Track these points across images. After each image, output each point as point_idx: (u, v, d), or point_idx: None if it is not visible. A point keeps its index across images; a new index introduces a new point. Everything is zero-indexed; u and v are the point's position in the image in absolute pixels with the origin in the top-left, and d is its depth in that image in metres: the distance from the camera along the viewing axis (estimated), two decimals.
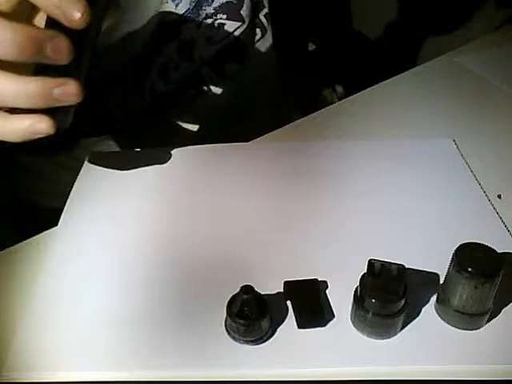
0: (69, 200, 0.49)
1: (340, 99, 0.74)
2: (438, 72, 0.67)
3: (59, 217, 0.48)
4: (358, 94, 0.64)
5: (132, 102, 0.61)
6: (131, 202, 0.49)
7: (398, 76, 0.66)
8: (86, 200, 0.49)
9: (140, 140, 0.61)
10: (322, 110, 0.63)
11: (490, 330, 0.38)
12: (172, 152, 0.56)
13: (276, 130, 0.59)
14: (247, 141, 0.57)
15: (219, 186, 0.51)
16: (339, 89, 0.77)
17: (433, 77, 0.67)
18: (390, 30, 0.96)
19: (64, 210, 0.48)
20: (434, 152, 0.54)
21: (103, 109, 0.60)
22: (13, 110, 0.34)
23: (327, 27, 0.88)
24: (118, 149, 0.63)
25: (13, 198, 0.64)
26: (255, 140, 0.57)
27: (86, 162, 0.54)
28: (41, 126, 0.33)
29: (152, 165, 0.54)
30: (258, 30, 0.64)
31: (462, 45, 0.72)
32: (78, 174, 0.52)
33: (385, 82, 0.65)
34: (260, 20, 0.64)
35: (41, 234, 0.47)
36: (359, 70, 0.85)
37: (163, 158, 0.55)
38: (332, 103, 0.72)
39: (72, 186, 0.51)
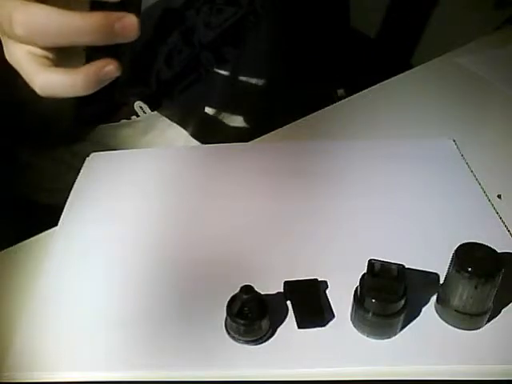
0: (69, 200, 0.49)
1: (340, 99, 0.74)
2: (438, 72, 0.67)
3: (59, 215, 0.48)
4: (358, 94, 0.64)
5: (138, 90, 0.61)
6: (131, 202, 0.49)
7: (398, 76, 0.66)
8: (86, 200, 0.49)
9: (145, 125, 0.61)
10: (322, 109, 0.63)
11: (489, 329, 0.38)
12: (172, 152, 0.56)
13: (276, 130, 0.59)
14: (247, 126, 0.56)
15: (219, 186, 0.50)
16: (340, 89, 0.77)
17: (433, 77, 0.66)
18: (388, 29, 0.96)
19: (64, 210, 0.48)
20: (434, 152, 0.53)
21: (108, 97, 0.60)
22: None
23: (325, 24, 0.88)
24: (120, 140, 0.62)
25: (12, 195, 0.64)
26: (255, 140, 0.57)
27: (86, 162, 0.54)
28: (110, 67, 0.33)
29: (152, 165, 0.54)
30: (253, 17, 0.65)
31: (462, 45, 0.72)
32: (77, 171, 0.52)
33: (385, 82, 0.65)
34: (255, 7, 0.65)
35: (41, 234, 0.47)
36: (359, 70, 0.85)
37: (163, 158, 0.55)
38: (332, 103, 0.72)
39: (72, 183, 0.51)
